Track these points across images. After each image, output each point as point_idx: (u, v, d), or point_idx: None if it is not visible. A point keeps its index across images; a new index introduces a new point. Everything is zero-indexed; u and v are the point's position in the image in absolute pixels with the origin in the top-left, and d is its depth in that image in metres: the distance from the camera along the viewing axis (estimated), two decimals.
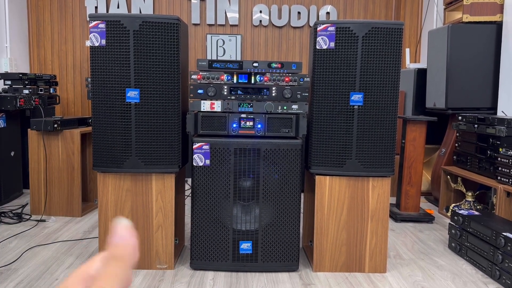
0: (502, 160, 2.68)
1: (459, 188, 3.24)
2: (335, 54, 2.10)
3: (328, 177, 2.19)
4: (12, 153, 3.42)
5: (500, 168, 2.70)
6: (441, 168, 3.36)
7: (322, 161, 2.17)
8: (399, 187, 3.24)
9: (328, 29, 2.09)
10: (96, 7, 4.63)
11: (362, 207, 2.21)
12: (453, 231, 2.53)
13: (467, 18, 3.37)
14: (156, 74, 2.07)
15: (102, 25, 2.04)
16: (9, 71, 4.20)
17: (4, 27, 4.26)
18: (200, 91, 2.14)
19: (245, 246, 2.17)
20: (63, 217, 3.06)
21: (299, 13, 4.73)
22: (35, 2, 4.66)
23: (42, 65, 4.74)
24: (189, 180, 3.62)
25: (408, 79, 3.94)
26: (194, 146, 2.10)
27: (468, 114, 3.11)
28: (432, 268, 2.31)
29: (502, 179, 2.66)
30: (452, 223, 2.54)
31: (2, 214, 3.01)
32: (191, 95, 2.15)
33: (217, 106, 2.14)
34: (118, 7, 4.62)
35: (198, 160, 2.11)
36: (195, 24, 4.71)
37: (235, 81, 2.16)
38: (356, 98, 2.11)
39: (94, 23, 2.04)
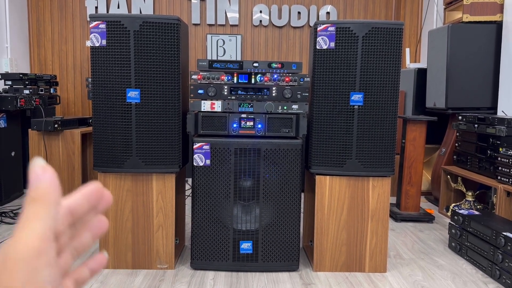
0: (502, 159, 2.68)
1: (459, 188, 3.25)
2: (335, 54, 2.10)
3: (328, 177, 2.19)
4: (13, 153, 3.43)
5: (500, 168, 2.70)
6: (441, 168, 3.36)
7: (322, 161, 2.17)
8: (399, 187, 3.24)
9: (328, 29, 2.09)
10: (96, 7, 4.63)
11: (362, 207, 2.21)
12: (453, 230, 2.53)
13: (467, 18, 3.37)
14: (157, 74, 2.07)
15: (103, 26, 2.04)
16: (9, 71, 4.20)
17: (5, 27, 4.27)
18: (200, 91, 2.14)
19: (246, 246, 2.17)
20: None
21: (299, 13, 4.73)
22: (35, 2, 4.66)
23: (42, 65, 4.74)
24: (190, 180, 3.62)
25: (408, 79, 3.94)
26: (194, 146, 2.10)
27: (468, 114, 3.11)
28: (432, 268, 2.31)
29: (502, 178, 2.66)
30: (452, 222, 2.54)
31: (3, 214, 3.02)
32: (192, 95, 2.16)
33: (218, 106, 2.15)
34: (118, 7, 4.62)
35: (199, 160, 2.11)
36: (195, 24, 4.71)
37: (235, 81, 2.17)
38: (356, 98, 2.12)
39: (94, 23, 2.04)
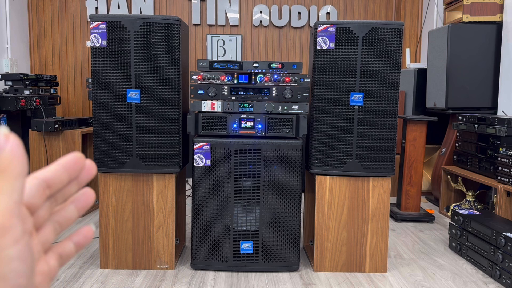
0: (502, 159, 2.68)
1: (460, 188, 3.25)
2: (335, 54, 2.10)
3: (328, 177, 2.19)
4: None
5: (500, 168, 2.70)
6: (442, 168, 3.36)
7: (323, 161, 2.17)
8: (400, 187, 3.24)
9: (328, 29, 2.09)
10: (96, 8, 4.64)
11: (363, 207, 2.21)
12: (453, 230, 2.53)
13: (467, 18, 3.37)
14: (157, 75, 2.08)
15: (103, 26, 2.05)
16: (10, 72, 4.21)
17: (5, 27, 4.27)
18: (200, 91, 2.15)
19: (246, 246, 2.17)
20: None
21: (299, 13, 4.74)
22: (35, 3, 4.67)
23: (42, 66, 4.75)
24: (190, 180, 3.63)
25: (408, 79, 3.94)
26: (194, 147, 2.11)
27: (468, 114, 3.12)
28: (432, 268, 2.31)
29: (502, 178, 2.66)
30: (453, 222, 2.54)
31: None
32: (192, 95, 2.16)
33: (218, 106, 2.15)
34: (118, 8, 4.63)
35: (199, 160, 2.11)
36: (195, 25, 4.72)
37: (235, 81, 2.17)
38: (356, 98, 2.12)
39: (95, 24, 2.05)
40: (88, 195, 0.37)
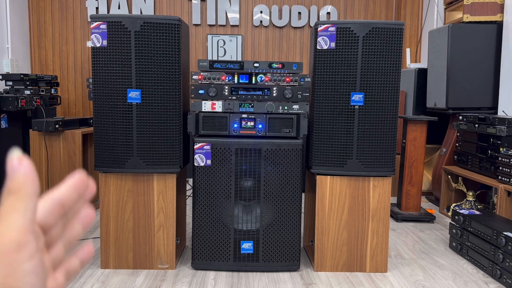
0: (503, 159, 2.68)
1: (460, 188, 3.25)
2: (335, 54, 2.10)
3: (329, 177, 2.19)
4: None
5: (500, 168, 2.70)
6: (442, 168, 3.36)
7: (323, 161, 2.17)
8: (400, 187, 3.24)
9: (329, 29, 2.09)
10: (97, 8, 4.64)
11: (363, 207, 2.21)
12: (454, 230, 2.53)
13: (468, 18, 3.37)
14: (157, 75, 2.08)
15: (104, 26, 2.05)
16: (10, 72, 4.21)
17: (5, 28, 4.27)
18: (201, 91, 2.15)
19: (246, 246, 2.17)
20: None
21: (299, 13, 4.74)
22: (36, 3, 4.67)
23: (43, 66, 4.75)
24: (190, 180, 3.63)
25: (408, 79, 3.94)
26: (195, 146, 2.11)
27: (468, 114, 3.12)
28: (433, 268, 2.31)
29: (503, 178, 2.66)
30: (453, 222, 2.54)
31: None
32: (192, 95, 2.16)
33: (218, 106, 2.15)
34: (119, 8, 4.63)
35: (199, 160, 2.12)
36: (196, 25, 4.72)
37: (236, 81, 2.17)
38: (357, 98, 2.12)
39: (95, 24, 2.05)
40: (90, 212, 0.40)
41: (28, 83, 3.67)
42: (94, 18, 2.06)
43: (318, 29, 2.10)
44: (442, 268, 2.31)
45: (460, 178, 3.23)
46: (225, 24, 4.72)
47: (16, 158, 0.32)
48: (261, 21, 4.74)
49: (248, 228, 2.17)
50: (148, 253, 2.23)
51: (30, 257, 0.31)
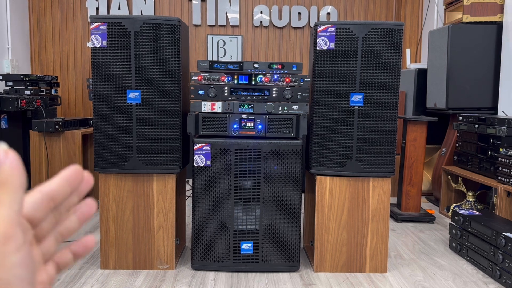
0: (503, 160, 2.68)
1: (460, 188, 3.25)
2: (335, 54, 2.10)
3: (328, 177, 2.19)
4: None
5: (500, 168, 2.70)
6: (442, 168, 3.36)
7: (323, 162, 2.18)
8: (400, 187, 3.24)
9: (328, 30, 2.09)
10: (97, 8, 4.64)
11: (363, 207, 2.21)
12: (453, 231, 2.53)
13: (468, 18, 3.37)
14: (157, 75, 2.08)
15: (103, 27, 2.05)
16: (10, 73, 4.21)
17: (6, 28, 4.28)
18: (201, 92, 2.15)
19: (246, 246, 2.17)
20: None
21: (299, 13, 4.74)
22: (36, 4, 4.67)
23: (43, 66, 4.76)
24: (190, 181, 3.63)
25: (408, 79, 3.94)
26: (195, 147, 2.11)
27: (468, 114, 3.12)
28: (432, 268, 2.31)
29: (503, 179, 2.66)
30: (453, 223, 2.54)
31: None
32: (192, 96, 2.16)
33: (218, 107, 2.15)
34: (119, 8, 4.63)
35: (199, 160, 2.12)
36: (195, 25, 4.72)
37: (235, 82, 2.17)
38: (356, 98, 2.12)
39: (95, 24, 2.05)
40: (90, 205, 0.39)
41: (28, 83, 3.67)
42: (94, 19, 2.06)
43: (318, 29, 2.10)
44: (441, 268, 2.31)
45: (460, 179, 3.23)
46: (225, 24, 4.73)
47: (1, 151, 0.32)
48: (261, 22, 4.74)
49: (248, 229, 2.17)
50: (147, 253, 2.23)
51: (17, 249, 0.31)
